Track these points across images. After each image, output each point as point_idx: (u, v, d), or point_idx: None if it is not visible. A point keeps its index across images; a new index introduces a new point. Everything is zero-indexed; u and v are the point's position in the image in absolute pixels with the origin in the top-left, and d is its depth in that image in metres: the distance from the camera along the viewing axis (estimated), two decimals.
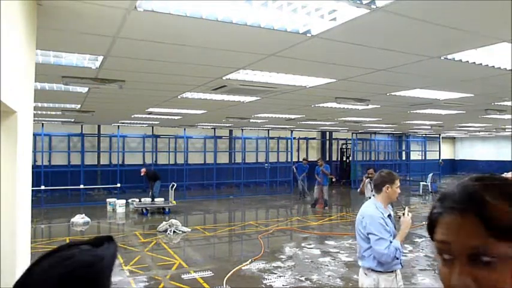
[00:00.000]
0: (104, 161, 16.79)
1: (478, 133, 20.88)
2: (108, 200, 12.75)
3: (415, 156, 22.59)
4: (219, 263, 7.17)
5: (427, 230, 0.75)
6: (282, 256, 7.49)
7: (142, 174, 13.19)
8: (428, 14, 2.43)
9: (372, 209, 3.31)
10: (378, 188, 3.36)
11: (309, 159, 17.14)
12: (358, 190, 8.04)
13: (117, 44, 3.14)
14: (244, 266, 6.83)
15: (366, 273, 3.31)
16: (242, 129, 17.28)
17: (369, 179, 8.17)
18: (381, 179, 3.36)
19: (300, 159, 17.58)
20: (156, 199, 12.61)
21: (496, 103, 7.10)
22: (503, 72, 4.15)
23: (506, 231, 0.64)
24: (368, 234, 3.21)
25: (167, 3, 2.31)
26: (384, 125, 14.21)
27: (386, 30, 2.77)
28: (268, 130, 17.53)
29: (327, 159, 22.18)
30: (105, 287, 0.96)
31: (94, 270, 0.93)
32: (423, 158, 22.12)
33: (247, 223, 11.00)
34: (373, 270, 3.26)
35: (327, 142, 22.29)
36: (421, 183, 17.68)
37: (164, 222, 9.62)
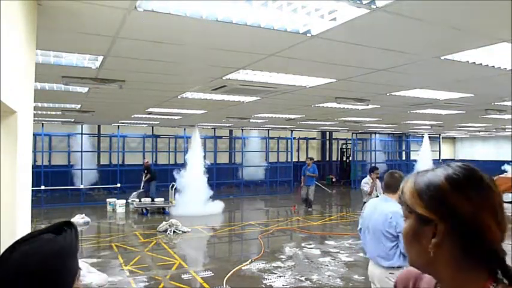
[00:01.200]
0: (104, 161, 16.79)
1: (478, 133, 20.87)
2: (108, 200, 12.75)
3: (415, 156, 22.58)
4: (219, 263, 7.17)
5: None
6: (282, 256, 7.49)
7: (145, 163, 13.46)
8: (429, 14, 2.43)
9: (398, 207, 3.38)
10: (392, 188, 3.46)
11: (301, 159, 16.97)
12: (368, 191, 8.01)
13: (117, 44, 3.14)
14: (244, 266, 6.83)
15: (392, 273, 3.33)
16: (242, 129, 17.27)
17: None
18: (395, 179, 3.50)
19: (303, 159, 17.22)
20: (156, 199, 12.62)
21: (496, 103, 7.10)
22: (503, 72, 4.15)
23: (407, 205, 0.90)
24: (399, 233, 3.25)
25: (167, 3, 2.31)
26: (384, 125, 14.20)
27: (386, 30, 2.77)
28: (268, 130, 17.53)
29: (327, 159, 22.21)
30: (72, 270, 1.02)
31: (61, 257, 0.98)
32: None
33: (247, 223, 11.00)
34: (400, 267, 3.32)
35: (327, 142, 22.29)
36: None
37: (164, 222, 9.62)
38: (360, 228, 3.82)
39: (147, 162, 14.15)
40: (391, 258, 3.32)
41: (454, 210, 0.82)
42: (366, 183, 8.05)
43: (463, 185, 0.83)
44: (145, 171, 13.70)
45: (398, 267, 3.32)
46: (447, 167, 0.88)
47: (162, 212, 12.21)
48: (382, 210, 3.41)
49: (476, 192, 0.82)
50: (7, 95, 1.57)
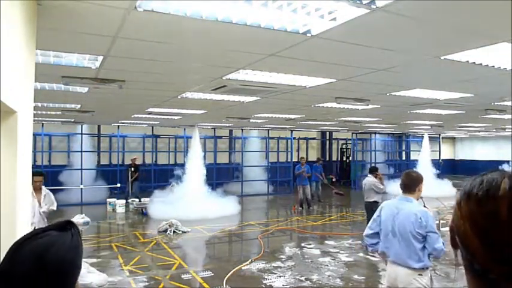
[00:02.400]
0: (104, 161, 16.78)
1: (478, 133, 20.87)
2: (108, 200, 12.75)
3: (415, 156, 22.57)
4: (219, 263, 7.18)
5: None
6: (282, 256, 7.49)
7: (133, 160, 13.44)
8: (429, 14, 2.43)
9: (422, 207, 3.41)
10: (411, 188, 3.47)
11: (308, 159, 17.01)
12: (384, 188, 8.07)
13: (117, 44, 3.14)
14: (244, 266, 6.83)
15: (421, 274, 3.31)
16: (242, 129, 17.27)
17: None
18: (413, 179, 3.51)
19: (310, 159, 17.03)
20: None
21: (496, 103, 7.10)
22: (503, 72, 4.15)
23: None
24: (428, 232, 3.25)
25: (167, 3, 2.31)
26: (384, 125, 14.20)
27: (386, 30, 2.77)
28: (268, 130, 17.53)
29: (327, 159, 22.20)
30: (80, 266, 1.06)
31: (76, 252, 1.02)
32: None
33: (247, 223, 11.00)
34: (428, 268, 3.35)
35: (327, 142, 22.30)
36: None
37: (164, 222, 9.60)
38: (373, 233, 3.62)
39: (136, 159, 13.82)
40: (422, 259, 3.29)
41: (453, 220, 0.80)
42: (377, 182, 8.10)
43: (463, 198, 0.79)
44: (133, 170, 13.57)
45: (427, 268, 3.32)
46: (480, 174, 0.81)
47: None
48: (408, 211, 3.34)
49: (467, 206, 0.77)
50: (7, 95, 1.57)
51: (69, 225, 1.05)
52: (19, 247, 0.96)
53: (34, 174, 5.37)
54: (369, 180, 8.24)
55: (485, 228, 0.72)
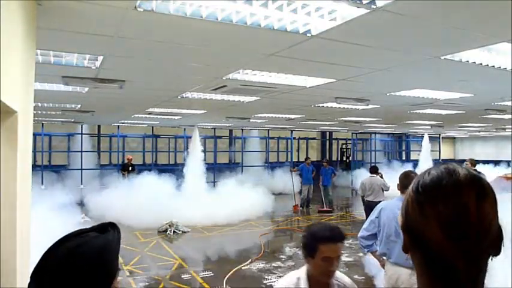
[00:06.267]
0: (104, 161, 16.78)
1: (478, 133, 20.87)
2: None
3: (415, 156, 22.55)
4: (219, 263, 7.17)
5: None
6: (282, 256, 7.49)
7: (129, 159, 13.28)
8: (428, 14, 2.44)
9: None
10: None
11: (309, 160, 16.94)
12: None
13: (117, 44, 3.14)
14: (244, 266, 6.83)
15: None
16: (242, 129, 17.26)
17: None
18: (411, 180, 3.49)
19: (317, 160, 16.68)
20: None
21: (496, 103, 7.10)
22: (503, 72, 4.15)
23: None
24: None
25: (167, 3, 2.31)
26: (384, 125, 14.20)
27: (386, 30, 2.77)
28: (268, 130, 17.52)
29: (327, 159, 22.22)
30: (114, 268, 1.09)
31: (106, 253, 1.05)
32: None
33: (247, 223, 10.99)
34: None
35: (327, 142, 22.29)
36: None
37: (164, 222, 9.60)
38: (369, 234, 3.59)
39: (131, 158, 13.59)
40: None
41: (409, 220, 0.81)
42: (385, 181, 8.14)
43: (420, 193, 0.80)
44: (131, 169, 13.44)
45: None
46: (427, 170, 0.84)
47: None
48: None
49: (430, 202, 0.77)
50: (7, 95, 1.57)
51: (110, 227, 1.10)
52: (59, 244, 1.03)
53: (329, 238, 2.04)
54: (378, 179, 8.27)
55: (455, 223, 0.73)
